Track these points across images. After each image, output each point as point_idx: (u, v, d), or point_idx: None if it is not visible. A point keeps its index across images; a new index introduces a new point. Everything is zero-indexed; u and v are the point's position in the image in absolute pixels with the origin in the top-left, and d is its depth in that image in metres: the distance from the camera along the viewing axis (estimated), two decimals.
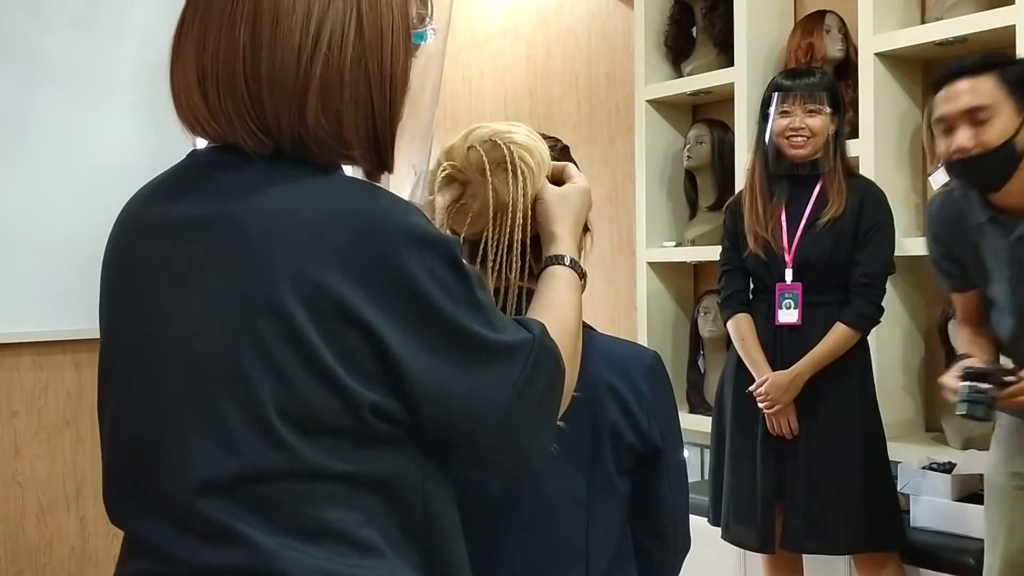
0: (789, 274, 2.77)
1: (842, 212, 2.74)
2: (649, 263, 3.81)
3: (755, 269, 2.85)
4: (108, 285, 1.12)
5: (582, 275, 1.28)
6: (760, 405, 2.75)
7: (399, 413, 1.02)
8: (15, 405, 3.04)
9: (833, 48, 3.28)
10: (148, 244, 1.07)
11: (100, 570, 3.15)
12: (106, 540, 3.17)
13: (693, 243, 3.69)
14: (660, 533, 1.44)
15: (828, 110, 2.79)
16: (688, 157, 3.67)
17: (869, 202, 2.78)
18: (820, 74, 2.87)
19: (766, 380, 2.73)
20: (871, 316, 2.73)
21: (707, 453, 3.89)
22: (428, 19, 1.13)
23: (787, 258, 2.77)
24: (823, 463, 2.71)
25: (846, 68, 3.32)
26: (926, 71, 3.22)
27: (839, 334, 2.71)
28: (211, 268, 1.01)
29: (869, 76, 3.10)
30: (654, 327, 3.80)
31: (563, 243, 1.28)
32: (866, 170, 3.11)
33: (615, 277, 4.22)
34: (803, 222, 2.77)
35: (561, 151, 1.43)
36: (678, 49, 3.77)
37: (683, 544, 1.51)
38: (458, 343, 1.03)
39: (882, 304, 2.75)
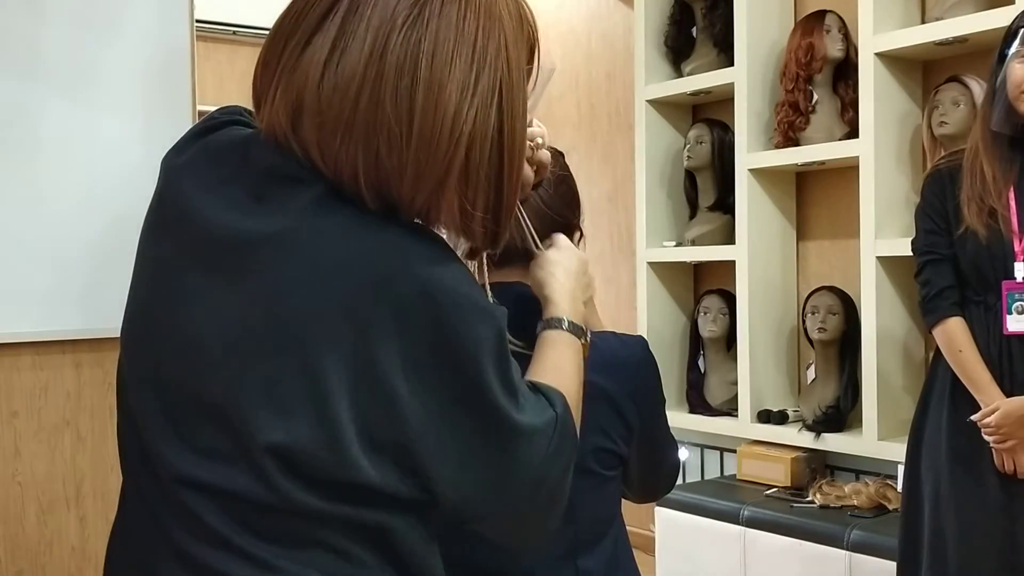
0: (1020, 269, 2.22)
1: None
2: (649, 263, 3.81)
3: (972, 259, 2.26)
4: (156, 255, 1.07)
5: (583, 336, 1.22)
6: (987, 439, 2.22)
7: (405, 492, 0.98)
8: (15, 405, 3.04)
9: (833, 48, 3.29)
10: (200, 242, 1.01)
11: (100, 570, 3.14)
12: (106, 540, 3.16)
13: (693, 243, 3.69)
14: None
15: None
16: (688, 157, 3.67)
17: None
18: None
19: (996, 408, 2.20)
20: None
21: (707, 453, 3.91)
22: (530, 92, 1.08)
23: (1017, 247, 2.21)
24: None
25: (846, 68, 3.32)
26: (926, 71, 3.22)
27: None
28: (251, 280, 0.97)
29: (869, 76, 3.10)
30: (654, 327, 3.79)
31: (556, 307, 1.22)
32: (866, 170, 3.11)
33: (615, 277, 4.21)
34: None
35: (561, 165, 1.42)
36: (678, 49, 3.77)
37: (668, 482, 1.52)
38: (488, 421, 0.98)
39: None
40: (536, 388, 1.06)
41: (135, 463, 1.05)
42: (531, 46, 1.07)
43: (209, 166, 1.03)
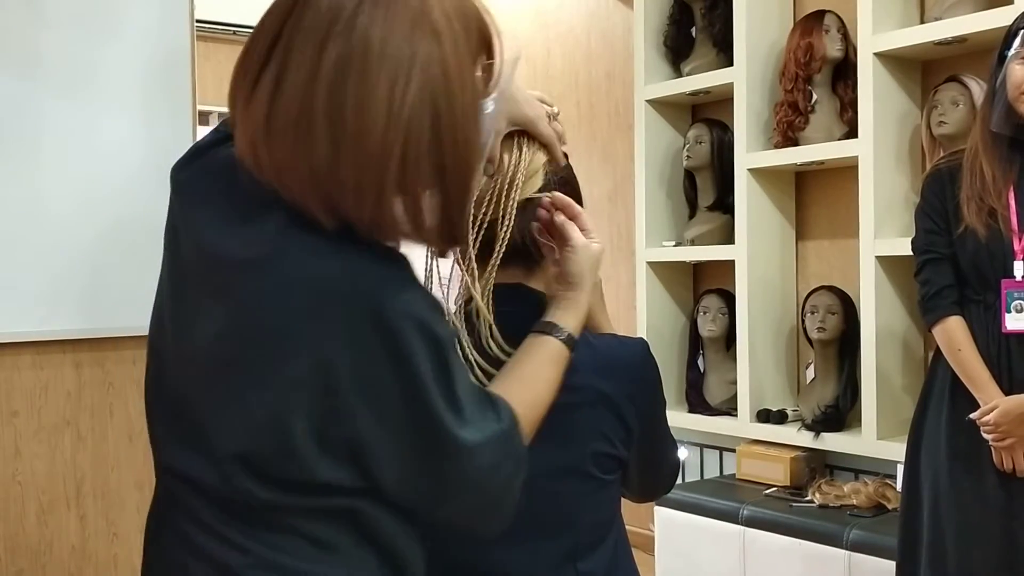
0: (1019, 268, 2.23)
1: None
2: (649, 263, 3.81)
3: (972, 258, 2.27)
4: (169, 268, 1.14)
5: (574, 348, 1.25)
6: (986, 437, 2.23)
7: (363, 484, 1.06)
8: (15, 405, 3.04)
9: (832, 48, 3.29)
10: (196, 259, 1.10)
11: (100, 570, 3.15)
12: (106, 540, 3.17)
13: (692, 243, 3.69)
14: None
15: None
16: (687, 157, 3.67)
17: None
18: None
19: (995, 407, 2.21)
20: None
21: (706, 452, 3.92)
22: (492, 88, 1.12)
23: (1017, 246, 2.22)
24: None
25: (845, 68, 3.32)
26: (925, 71, 3.22)
27: None
28: (230, 298, 1.05)
29: (868, 76, 3.10)
30: (653, 327, 3.80)
31: (577, 314, 1.25)
32: (865, 170, 3.11)
33: (614, 277, 4.22)
34: None
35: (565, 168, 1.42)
36: (677, 49, 3.77)
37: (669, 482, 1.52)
38: (430, 435, 1.04)
39: None
40: (488, 399, 1.11)
41: (154, 455, 1.17)
42: (485, 41, 1.09)
43: (206, 184, 1.11)
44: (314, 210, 1.02)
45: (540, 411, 1.19)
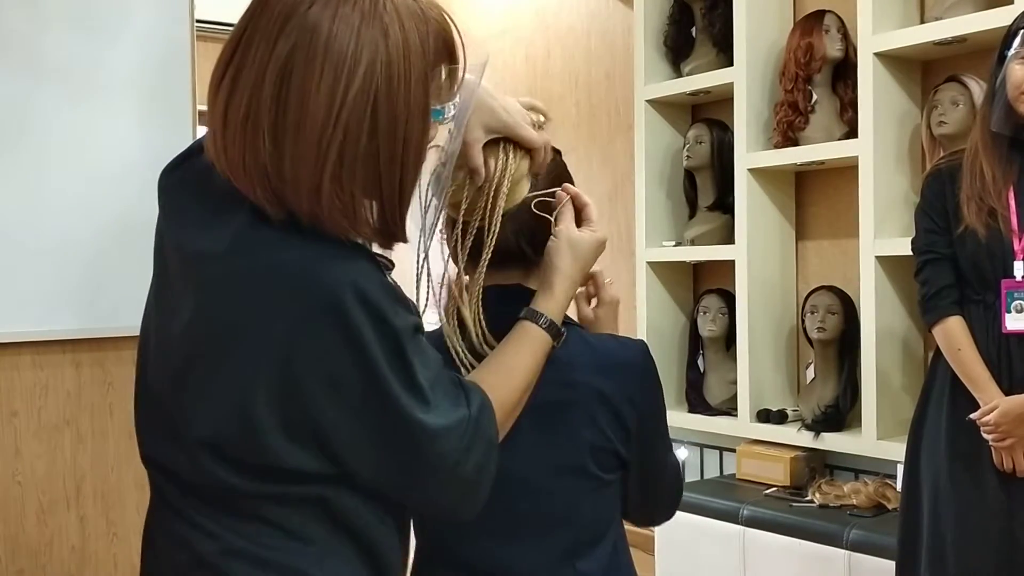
0: (1020, 268, 2.22)
1: None
2: (649, 263, 3.81)
3: (972, 258, 2.27)
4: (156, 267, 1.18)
5: (558, 336, 1.27)
6: (987, 437, 2.23)
7: (331, 471, 1.08)
8: (15, 405, 3.04)
9: (832, 48, 3.29)
10: (177, 255, 1.13)
11: (100, 570, 3.15)
12: (106, 540, 3.17)
13: (692, 243, 3.69)
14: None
15: None
16: (687, 157, 3.67)
17: None
18: None
19: (995, 407, 2.21)
20: None
21: (706, 452, 3.92)
22: (454, 90, 1.15)
23: (1017, 246, 2.22)
24: None
25: (845, 68, 3.32)
26: (925, 71, 3.22)
27: None
28: (200, 292, 1.08)
29: (868, 76, 3.10)
30: (653, 326, 3.80)
31: (552, 299, 1.27)
32: (865, 170, 3.11)
33: (615, 277, 4.19)
34: None
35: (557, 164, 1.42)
36: (677, 49, 3.77)
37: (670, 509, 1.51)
38: (391, 421, 1.06)
39: None
40: (458, 385, 1.13)
41: (139, 449, 1.19)
42: (447, 47, 1.12)
43: (186, 188, 1.15)
44: (262, 201, 1.05)
45: (517, 395, 1.20)
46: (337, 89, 1.02)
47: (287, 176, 1.04)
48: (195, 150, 1.17)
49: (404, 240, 1.14)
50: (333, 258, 1.05)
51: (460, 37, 1.14)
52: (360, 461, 1.07)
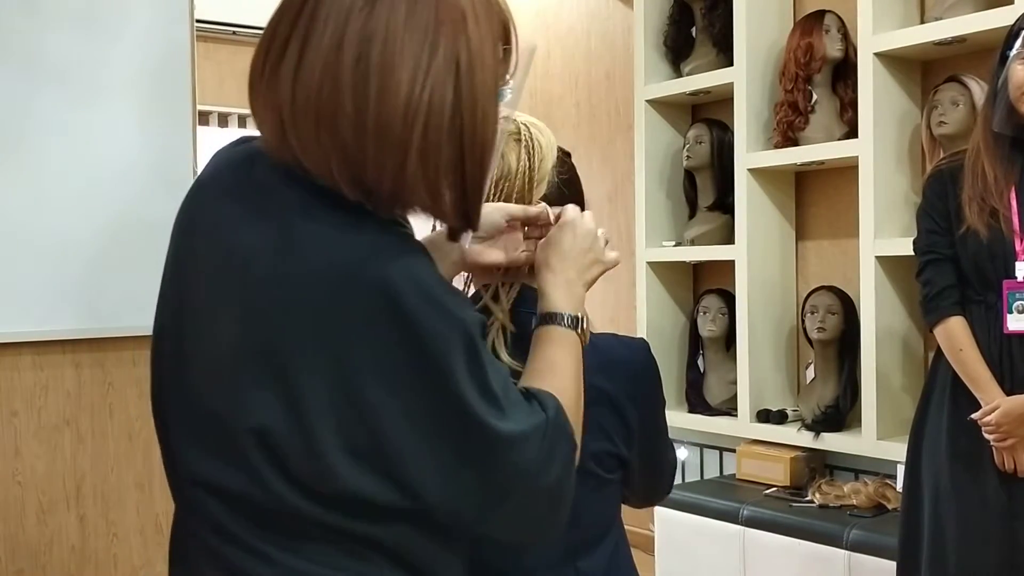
0: (1021, 268, 2.22)
1: None
2: (648, 263, 3.81)
3: (973, 258, 2.28)
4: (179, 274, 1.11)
5: (580, 326, 1.20)
6: (988, 437, 2.23)
7: (393, 500, 1.00)
8: (15, 405, 3.05)
9: (832, 48, 3.29)
10: (214, 254, 1.06)
11: (100, 570, 3.15)
12: (106, 540, 3.18)
13: (692, 243, 3.69)
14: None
15: None
16: (687, 157, 3.67)
17: None
18: None
19: (996, 407, 2.21)
20: None
21: (706, 452, 3.92)
22: (509, 76, 1.10)
23: (1018, 247, 2.21)
24: None
25: (845, 68, 3.32)
26: (925, 71, 3.22)
27: None
28: (248, 292, 1.01)
29: (868, 76, 3.10)
30: (653, 326, 3.80)
31: (553, 296, 1.21)
32: (865, 170, 3.11)
33: (615, 277, 4.21)
34: None
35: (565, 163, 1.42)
36: (677, 49, 3.77)
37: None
38: (466, 431, 0.99)
39: None
40: (528, 393, 1.07)
41: (167, 467, 1.11)
42: (504, 26, 1.09)
43: (226, 180, 1.09)
44: (338, 180, 1.00)
45: (577, 396, 1.15)
46: (421, 61, 0.99)
47: (370, 150, 0.99)
48: (225, 148, 1.13)
49: (475, 228, 1.09)
50: (390, 251, 1.00)
51: (513, 19, 1.11)
52: (432, 480, 0.99)
